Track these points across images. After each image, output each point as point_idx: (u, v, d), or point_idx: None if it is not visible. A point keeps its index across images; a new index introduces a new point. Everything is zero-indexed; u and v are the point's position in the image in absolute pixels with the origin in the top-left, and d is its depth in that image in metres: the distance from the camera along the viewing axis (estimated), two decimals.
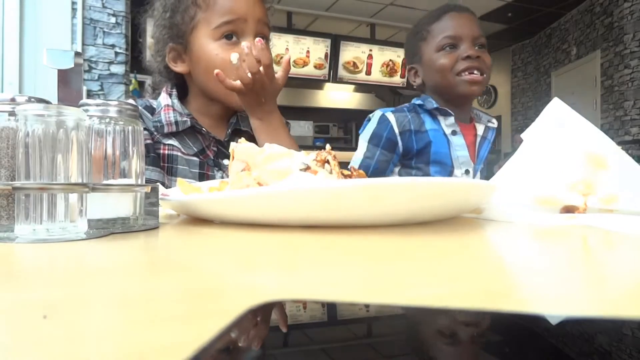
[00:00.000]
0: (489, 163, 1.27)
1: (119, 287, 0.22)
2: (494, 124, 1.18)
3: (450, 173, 1.09)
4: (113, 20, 2.83)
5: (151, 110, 0.87)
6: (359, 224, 0.42)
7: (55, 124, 0.34)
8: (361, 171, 0.52)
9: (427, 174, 1.07)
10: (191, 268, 0.27)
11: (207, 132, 0.86)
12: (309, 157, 0.47)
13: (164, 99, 0.88)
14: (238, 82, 0.76)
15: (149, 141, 0.82)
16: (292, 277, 0.24)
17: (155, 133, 0.84)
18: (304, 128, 5.31)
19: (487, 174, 1.21)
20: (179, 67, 0.87)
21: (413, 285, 0.22)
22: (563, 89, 5.33)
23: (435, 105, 1.10)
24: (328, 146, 0.50)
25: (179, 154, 0.84)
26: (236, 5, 0.83)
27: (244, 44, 0.76)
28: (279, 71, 0.79)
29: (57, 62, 0.43)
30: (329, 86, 5.28)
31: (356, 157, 1.11)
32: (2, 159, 0.38)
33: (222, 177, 0.84)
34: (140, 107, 0.84)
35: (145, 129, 0.82)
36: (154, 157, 0.83)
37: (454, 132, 1.09)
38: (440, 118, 1.10)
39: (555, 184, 0.49)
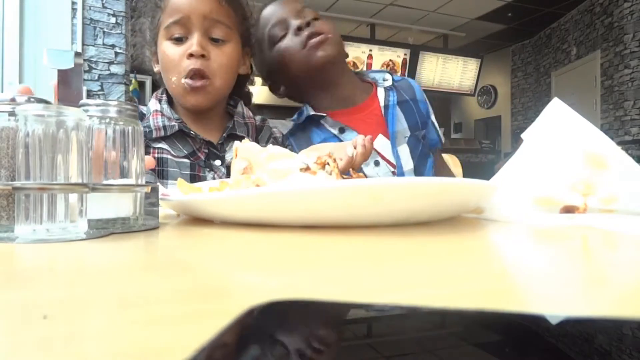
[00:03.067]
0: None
1: (119, 287, 0.22)
2: (387, 79, 0.98)
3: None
4: (113, 20, 2.83)
5: (141, 116, 0.88)
6: (359, 224, 0.42)
7: (55, 124, 0.34)
8: (360, 173, 0.52)
9: None
10: (191, 268, 0.27)
11: (196, 135, 0.86)
12: (309, 158, 0.47)
13: (153, 104, 0.89)
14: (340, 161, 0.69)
15: None
16: (292, 277, 0.24)
17: (145, 138, 0.84)
18: None
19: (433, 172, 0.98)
20: (156, 68, 0.91)
21: (413, 285, 0.22)
22: (563, 89, 5.33)
23: (303, 118, 0.94)
24: None
25: (169, 156, 0.84)
26: (178, 3, 0.84)
27: (365, 140, 0.70)
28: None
29: (57, 62, 0.43)
30: None
31: None
32: (2, 159, 0.38)
33: (214, 178, 0.84)
34: None
35: None
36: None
37: (341, 130, 0.92)
38: (323, 122, 0.93)
39: (555, 184, 0.49)
